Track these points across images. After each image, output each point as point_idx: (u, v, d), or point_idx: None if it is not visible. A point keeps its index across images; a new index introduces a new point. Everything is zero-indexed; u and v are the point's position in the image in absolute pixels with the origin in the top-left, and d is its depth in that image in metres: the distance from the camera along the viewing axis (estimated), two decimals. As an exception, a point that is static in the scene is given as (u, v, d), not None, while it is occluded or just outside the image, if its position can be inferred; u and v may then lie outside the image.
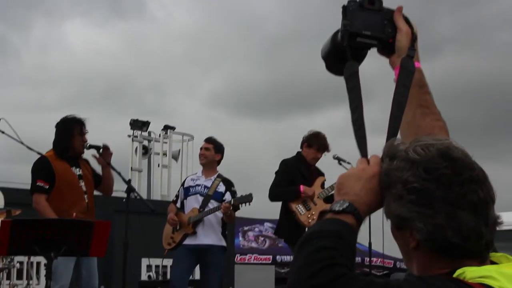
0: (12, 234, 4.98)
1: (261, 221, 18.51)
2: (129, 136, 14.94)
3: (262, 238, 18.61)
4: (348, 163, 7.21)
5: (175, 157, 15.22)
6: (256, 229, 18.87)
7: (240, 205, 6.95)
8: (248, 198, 6.88)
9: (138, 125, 15.17)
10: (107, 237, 5.26)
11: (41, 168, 5.94)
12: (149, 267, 10.83)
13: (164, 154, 15.03)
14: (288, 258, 17.55)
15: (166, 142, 15.28)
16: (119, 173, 6.09)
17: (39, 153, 7.02)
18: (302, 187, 7.07)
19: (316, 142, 7.25)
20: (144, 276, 10.53)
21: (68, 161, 6.00)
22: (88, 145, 6.04)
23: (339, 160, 7.26)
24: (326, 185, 7.22)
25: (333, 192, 6.96)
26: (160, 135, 15.06)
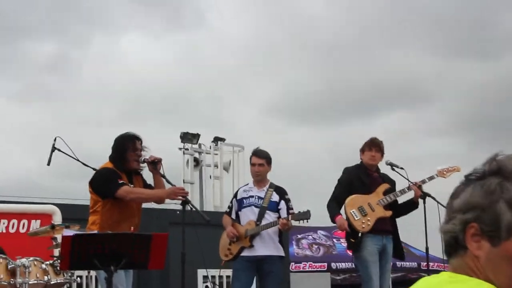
0: (73, 248, 5.07)
1: (314, 229, 18.47)
2: (179, 149, 15.09)
3: (316, 246, 18.56)
4: (401, 168, 7.17)
5: (226, 168, 15.32)
6: (310, 237, 18.83)
7: (298, 222, 7.00)
8: (305, 216, 6.93)
9: (188, 137, 15.32)
10: (165, 249, 5.32)
11: (114, 172, 6.06)
12: (205, 278, 10.89)
13: (215, 165, 15.13)
14: (343, 265, 17.50)
15: (216, 154, 15.38)
16: (173, 185, 6.16)
17: (94, 169, 7.14)
18: (338, 217, 7.07)
19: (366, 144, 7.25)
20: (201, 287, 10.60)
21: (126, 175, 6.10)
22: (143, 159, 6.13)
23: (392, 165, 7.22)
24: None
25: (394, 199, 6.99)
26: (210, 147, 15.17)
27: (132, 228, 5.81)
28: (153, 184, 6.31)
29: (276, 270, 7.17)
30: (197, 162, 15.36)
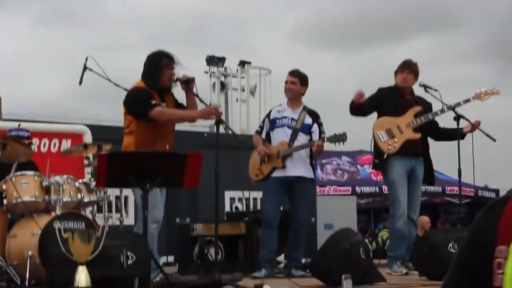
0: (109, 166, 5.12)
1: (338, 154, 18.49)
2: (206, 72, 15.02)
3: (340, 172, 18.63)
4: (435, 90, 7.05)
5: (252, 91, 15.26)
6: (334, 163, 18.86)
7: (333, 144, 6.97)
8: (342, 138, 6.89)
9: (214, 61, 15.22)
10: (199, 168, 5.36)
11: (146, 92, 5.99)
12: (232, 199, 10.98)
13: (242, 89, 15.08)
14: (367, 189, 17.57)
15: (243, 77, 15.31)
16: (206, 104, 6.15)
17: (125, 89, 7.13)
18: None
19: (399, 65, 7.15)
20: (228, 208, 10.71)
21: (158, 93, 6.08)
22: (175, 78, 6.09)
23: (426, 87, 7.11)
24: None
25: (425, 121, 6.90)
26: (237, 70, 15.08)
27: (167, 146, 5.83)
28: (185, 103, 6.29)
29: (307, 192, 7.21)
30: (223, 86, 15.31)
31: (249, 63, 15.76)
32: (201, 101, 6.19)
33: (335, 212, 11.26)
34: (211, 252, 7.44)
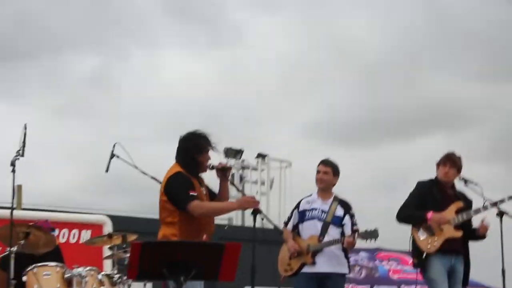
0: (141, 257, 4.81)
1: (356, 251, 18.06)
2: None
3: (358, 268, 18.14)
4: (476, 184, 6.79)
5: (271, 184, 15.06)
6: (352, 259, 18.38)
7: (365, 240, 6.67)
8: (373, 235, 6.61)
9: (232, 153, 15.07)
10: (237, 260, 5.03)
11: (186, 180, 5.61)
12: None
13: (262, 182, 14.87)
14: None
15: (263, 170, 15.13)
16: (244, 194, 5.88)
17: (153, 178, 6.89)
18: (430, 213, 6.70)
19: (441, 158, 6.91)
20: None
21: (197, 179, 5.78)
22: (211, 165, 5.81)
23: (466, 181, 6.84)
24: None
25: (467, 218, 6.62)
26: (257, 162, 14.92)
27: (204, 236, 5.52)
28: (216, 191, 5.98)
29: (340, 287, 6.86)
30: (240, 178, 15.12)
31: (266, 155, 15.62)
32: (239, 190, 5.92)
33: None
34: None
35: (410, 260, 19.26)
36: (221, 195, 5.91)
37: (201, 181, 5.82)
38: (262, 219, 5.83)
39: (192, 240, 5.37)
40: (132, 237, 6.75)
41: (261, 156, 15.61)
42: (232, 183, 5.93)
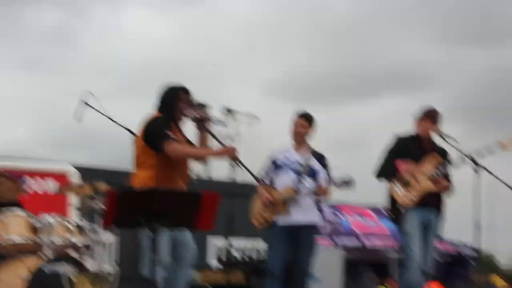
0: (118, 205, 4.66)
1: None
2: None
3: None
4: (453, 138, 6.70)
5: (233, 139, 14.86)
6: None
7: (339, 188, 6.59)
8: (349, 183, 6.52)
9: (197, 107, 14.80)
10: (215, 209, 4.91)
11: (165, 123, 5.55)
12: (215, 246, 10.53)
13: (228, 137, 14.64)
14: (349, 241, 17.17)
15: (227, 125, 14.89)
16: (223, 144, 5.74)
17: (126, 128, 6.72)
18: (401, 164, 6.64)
19: (421, 112, 6.82)
20: (212, 256, 10.26)
21: (176, 127, 5.65)
22: (191, 115, 5.66)
23: (442, 135, 6.76)
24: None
25: (445, 172, 6.57)
26: (224, 117, 14.67)
27: (181, 182, 5.39)
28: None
29: (313, 239, 6.81)
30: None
31: (234, 110, 15.39)
32: (217, 140, 5.78)
33: (319, 266, 10.84)
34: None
35: (373, 213, 19.48)
36: (201, 145, 5.80)
37: (180, 130, 5.71)
38: (241, 168, 5.69)
39: (170, 188, 5.22)
40: (103, 186, 6.58)
41: (228, 110, 15.38)
42: (212, 134, 5.79)
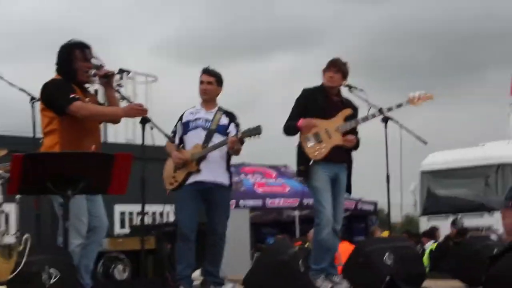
0: (24, 169, 4.37)
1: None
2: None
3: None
4: (361, 90, 6.66)
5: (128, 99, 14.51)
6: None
7: (248, 138, 6.42)
8: (257, 130, 6.34)
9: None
10: (128, 172, 4.69)
11: (64, 85, 5.24)
12: (122, 214, 10.26)
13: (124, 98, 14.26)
14: (250, 202, 17.19)
15: (121, 86, 14.49)
16: (130, 101, 5.48)
17: (21, 89, 6.36)
18: (300, 121, 6.54)
19: (328, 64, 6.69)
20: (117, 223, 9.99)
21: (79, 88, 5.34)
22: (93, 72, 5.38)
23: (350, 87, 6.69)
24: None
25: (355, 125, 6.51)
26: (120, 77, 14.25)
27: (94, 146, 5.10)
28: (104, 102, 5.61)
29: (225, 200, 6.64)
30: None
31: (128, 71, 15.00)
32: (124, 97, 5.54)
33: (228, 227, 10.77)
34: (117, 269, 6.77)
35: (274, 173, 19.52)
36: (110, 105, 5.55)
37: (84, 91, 5.41)
38: (152, 128, 5.44)
39: (81, 151, 4.93)
40: (2, 152, 6.18)
41: (123, 71, 14.95)
42: (118, 91, 5.52)
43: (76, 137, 5.15)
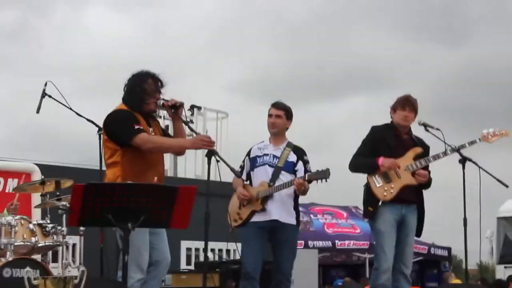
0: (85, 200, 4.24)
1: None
2: (159, 117, 14.21)
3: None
4: (437, 129, 6.38)
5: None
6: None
7: (315, 181, 6.20)
8: (325, 174, 6.11)
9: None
10: (191, 205, 4.51)
11: (129, 116, 5.14)
12: (188, 250, 10.12)
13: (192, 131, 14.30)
14: (320, 243, 16.84)
15: (192, 122, 14.54)
16: (197, 133, 5.34)
17: (89, 120, 6.36)
18: (381, 159, 6.27)
19: (398, 102, 6.44)
20: (184, 260, 9.85)
21: (143, 117, 5.24)
22: (162, 103, 5.27)
23: (426, 126, 6.42)
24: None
25: (425, 165, 6.21)
26: (192, 113, 14.32)
27: (155, 178, 4.97)
28: (172, 133, 5.50)
29: (292, 239, 6.40)
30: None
31: (199, 108, 15.08)
32: (191, 129, 5.40)
33: (295, 267, 10.54)
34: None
35: (344, 214, 19.17)
36: (176, 135, 5.46)
37: (150, 122, 5.31)
38: (218, 161, 5.28)
39: (143, 182, 4.80)
40: (67, 183, 6.14)
41: (195, 107, 15.02)
42: (186, 123, 5.40)
43: (139, 170, 5.04)
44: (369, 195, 6.33)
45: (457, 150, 6.27)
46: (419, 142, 6.50)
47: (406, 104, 6.42)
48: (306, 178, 6.16)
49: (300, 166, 6.38)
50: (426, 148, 6.49)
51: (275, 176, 6.31)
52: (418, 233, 6.56)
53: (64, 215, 6.09)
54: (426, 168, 6.37)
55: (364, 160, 6.36)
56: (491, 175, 6.23)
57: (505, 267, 15.22)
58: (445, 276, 14.86)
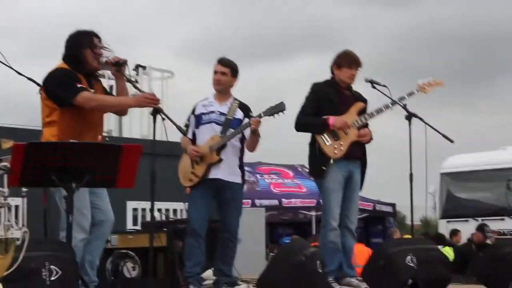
0: (26, 160, 4.12)
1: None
2: (102, 76, 13.94)
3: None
4: (384, 85, 6.37)
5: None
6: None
7: (272, 117, 6.10)
8: (281, 107, 6.02)
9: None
10: (136, 164, 4.43)
11: (70, 75, 4.97)
12: (135, 210, 9.99)
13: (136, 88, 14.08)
14: (266, 202, 16.86)
15: (138, 82, 14.32)
16: (142, 91, 5.22)
17: (29, 79, 6.15)
18: (331, 119, 6.24)
19: (345, 58, 6.40)
20: (130, 221, 9.74)
21: (84, 77, 5.09)
22: (104, 60, 5.12)
23: (373, 83, 6.41)
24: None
25: (370, 119, 6.21)
26: (136, 73, 14.09)
27: (100, 137, 4.85)
28: (115, 92, 5.36)
29: (237, 197, 6.36)
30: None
31: (144, 67, 14.84)
32: (136, 87, 5.27)
33: (243, 225, 10.53)
34: (127, 267, 6.54)
35: (291, 173, 19.18)
36: (120, 94, 5.31)
37: (93, 82, 5.16)
38: (163, 119, 5.16)
39: (86, 141, 4.67)
40: (8, 143, 5.94)
41: (140, 66, 14.77)
42: (130, 80, 5.26)
43: (77, 130, 4.89)
44: (321, 154, 6.29)
45: (398, 102, 6.29)
46: (359, 97, 6.49)
47: (354, 62, 6.38)
48: (263, 115, 6.08)
49: (247, 122, 6.30)
50: (366, 103, 6.50)
51: (225, 129, 6.21)
52: (360, 187, 6.59)
53: (6, 176, 5.90)
54: (367, 123, 6.38)
55: (312, 119, 6.32)
56: (437, 130, 6.28)
57: (447, 222, 15.51)
58: (390, 232, 15.07)
